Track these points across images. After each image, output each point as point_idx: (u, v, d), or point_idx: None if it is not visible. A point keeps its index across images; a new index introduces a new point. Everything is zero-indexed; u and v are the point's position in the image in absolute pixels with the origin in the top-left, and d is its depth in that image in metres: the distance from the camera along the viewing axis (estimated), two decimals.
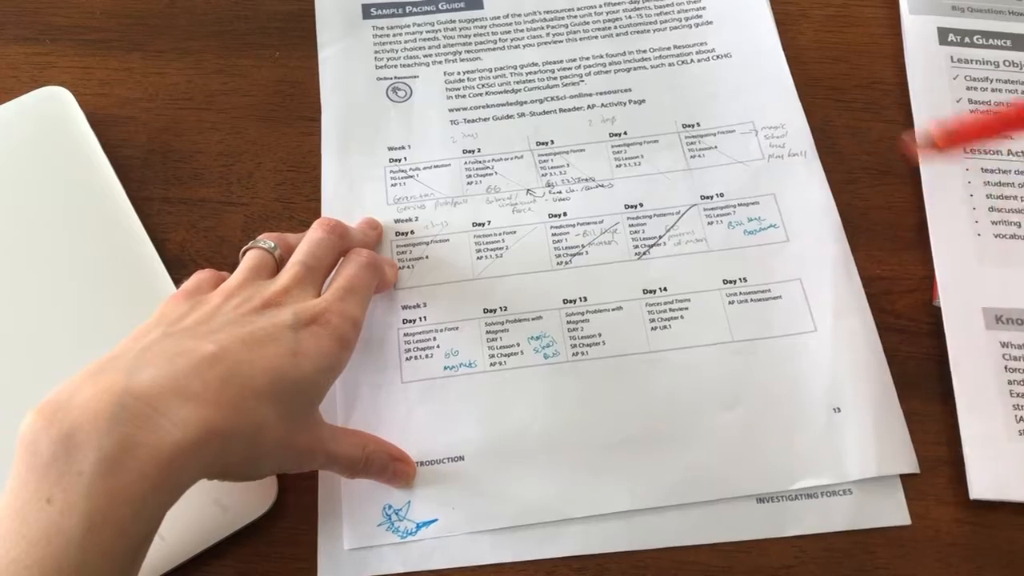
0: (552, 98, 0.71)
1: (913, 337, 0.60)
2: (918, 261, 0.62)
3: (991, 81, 0.68)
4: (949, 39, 0.70)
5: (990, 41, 0.70)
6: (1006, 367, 0.58)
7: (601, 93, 0.71)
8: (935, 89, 0.68)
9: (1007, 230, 0.63)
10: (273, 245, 0.56)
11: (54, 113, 0.67)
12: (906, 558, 0.54)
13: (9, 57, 0.72)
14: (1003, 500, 0.55)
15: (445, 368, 0.59)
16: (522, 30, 0.75)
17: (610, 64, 0.73)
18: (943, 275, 0.61)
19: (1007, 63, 0.69)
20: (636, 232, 0.64)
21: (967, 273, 0.61)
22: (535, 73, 0.73)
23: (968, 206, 0.63)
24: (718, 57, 0.73)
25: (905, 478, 0.56)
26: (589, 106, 0.71)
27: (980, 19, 0.71)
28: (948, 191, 0.64)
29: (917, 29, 0.71)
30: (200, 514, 0.53)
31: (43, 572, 0.39)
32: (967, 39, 0.70)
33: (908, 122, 0.68)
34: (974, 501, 0.54)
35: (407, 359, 0.60)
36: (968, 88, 0.68)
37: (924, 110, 0.67)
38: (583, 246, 0.64)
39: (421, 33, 0.75)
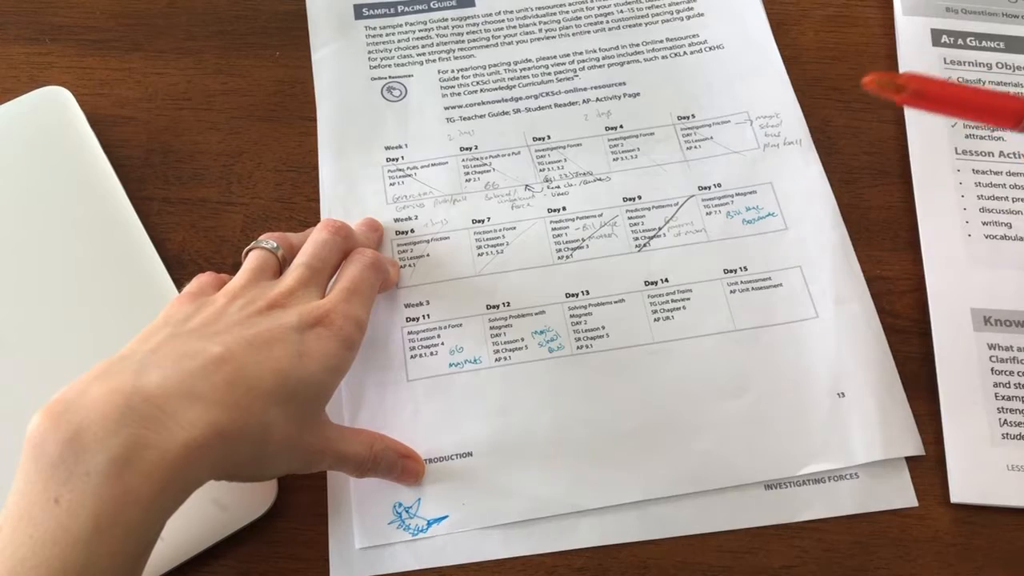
0: (547, 93, 0.71)
1: (913, 337, 0.60)
2: (918, 261, 0.62)
3: (984, 83, 0.68)
4: (942, 40, 0.70)
5: (983, 43, 0.70)
6: (992, 369, 0.58)
7: (596, 87, 0.71)
8: None
9: (997, 231, 0.63)
10: (276, 245, 0.56)
11: (54, 113, 0.67)
12: (906, 558, 0.54)
13: (9, 57, 0.72)
14: (984, 504, 0.55)
15: (450, 365, 0.59)
16: (514, 26, 0.75)
17: (604, 58, 0.73)
18: (933, 275, 0.61)
19: (1000, 65, 0.69)
20: (635, 224, 0.64)
21: (957, 274, 0.61)
22: (529, 69, 0.73)
23: (959, 207, 0.64)
24: (711, 49, 0.73)
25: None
26: (584, 100, 0.71)
27: (973, 21, 0.71)
28: (939, 191, 0.64)
29: (910, 30, 0.71)
30: (200, 514, 0.53)
31: (50, 572, 0.39)
32: (960, 41, 0.70)
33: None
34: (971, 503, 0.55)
35: (412, 357, 0.60)
36: None
37: (916, 113, 0.67)
38: (583, 240, 0.64)
39: (414, 32, 0.75)
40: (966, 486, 0.55)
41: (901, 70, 0.69)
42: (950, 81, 0.53)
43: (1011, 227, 0.63)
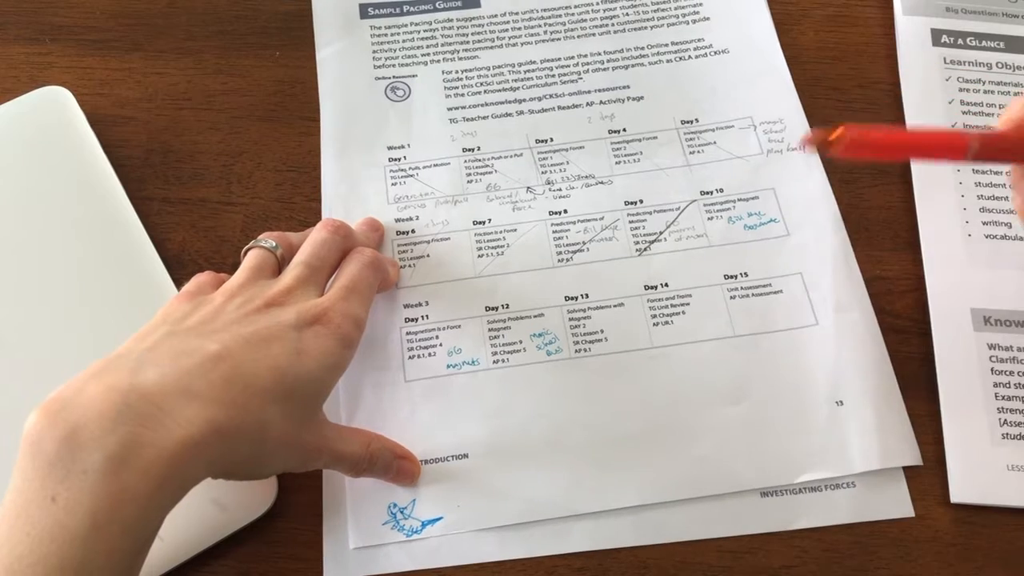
0: (551, 96, 0.71)
1: (913, 337, 0.60)
2: (918, 261, 0.62)
3: (984, 83, 0.68)
4: (942, 40, 0.70)
5: (983, 43, 0.70)
6: (992, 369, 0.58)
7: (600, 90, 0.71)
8: (928, 91, 0.68)
9: (997, 231, 0.63)
10: (275, 244, 0.56)
11: (54, 113, 0.67)
12: (906, 558, 0.54)
13: (9, 57, 0.72)
14: (984, 504, 0.55)
15: (448, 366, 0.59)
16: (520, 28, 0.75)
17: (608, 61, 0.73)
18: (932, 276, 0.61)
19: (1000, 65, 0.69)
20: (636, 228, 0.64)
21: (957, 274, 0.61)
22: (533, 71, 0.73)
23: (959, 207, 0.64)
24: (716, 53, 0.73)
25: (907, 477, 0.56)
26: (588, 103, 0.71)
27: (973, 21, 0.71)
28: (939, 191, 0.64)
29: (910, 30, 0.71)
30: (199, 514, 0.53)
31: (47, 569, 0.39)
32: (960, 40, 0.70)
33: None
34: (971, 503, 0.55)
35: (410, 358, 0.60)
36: (961, 89, 0.68)
37: (916, 112, 0.67)
38: (584, 243, 0.64)
39: (419, 32, 0.74)
40: (966, 486, 0.55)
41: (901, 70, 0.69)
42: (889, 127, 0.53)
43: (1011, 227, 0.63)
